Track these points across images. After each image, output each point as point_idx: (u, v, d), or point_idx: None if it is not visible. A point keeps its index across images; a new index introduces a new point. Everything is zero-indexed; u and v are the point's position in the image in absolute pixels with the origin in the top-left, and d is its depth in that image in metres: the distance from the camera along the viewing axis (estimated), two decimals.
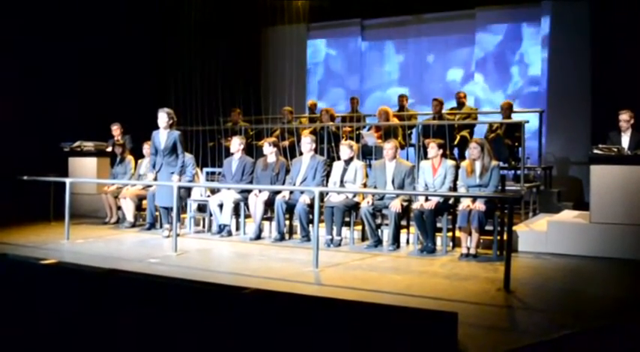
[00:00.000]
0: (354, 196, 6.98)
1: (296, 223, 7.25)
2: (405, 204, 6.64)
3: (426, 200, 6.40)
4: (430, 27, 11.65)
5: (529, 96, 10.72)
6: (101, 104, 9.90)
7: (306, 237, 6.96)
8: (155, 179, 7.39)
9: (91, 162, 9.40)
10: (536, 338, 3.65)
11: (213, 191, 7.95)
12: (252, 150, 9.01)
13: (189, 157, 7.84)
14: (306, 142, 7.37)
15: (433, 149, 6.65)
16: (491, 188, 6.26)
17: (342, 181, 7.11)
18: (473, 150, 6.35)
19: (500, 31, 11.06)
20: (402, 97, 10.08)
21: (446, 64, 11.60)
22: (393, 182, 6.79)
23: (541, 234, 6.47)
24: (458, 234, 6.41)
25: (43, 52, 9.68)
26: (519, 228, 6.68)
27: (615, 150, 6.31)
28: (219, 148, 9.35)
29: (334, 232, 6.84)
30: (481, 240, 6.25)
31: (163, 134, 7.37)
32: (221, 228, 7.48)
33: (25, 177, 7.71)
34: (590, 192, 6.37)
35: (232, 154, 7.82)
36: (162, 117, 7.33)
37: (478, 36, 11.14)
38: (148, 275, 4.67)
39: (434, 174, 6.62)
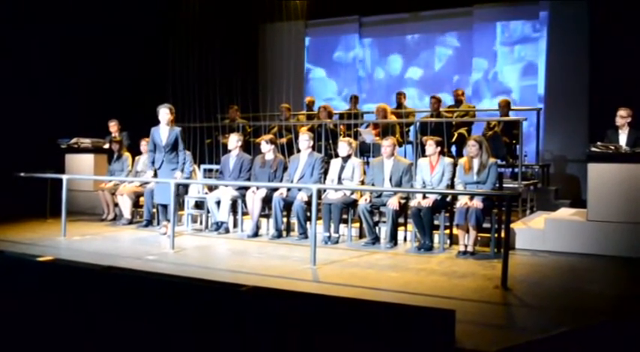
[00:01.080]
0: (352, 193, 6.97)
1: (293, 220, 7.23)
2: (402, 201, 6.64)
3: (424, 197, 6.40)
4: (428, 24, 11.66)
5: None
6: (98, 100, 9.87)
7: (304, 234, 6.96)
8: (155, 176, 7.33)
9: (88, 159, 9.37)
10: (533, 336, 3.66)
11: (211, 188, 7.94)
12: (250, 148, 9.01)
13: (187, 154, 7.81)
14: (304, 139, 7.36)
15: (431, 147, 6.65)
16: (489, 185, 6.26)
17: (339, 178, 7.10)
18: (471, 148, 6.35)
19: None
20: (399, 95, 10.08)
21: (443, 62, 11.60)
22: (390, 179, 6.79)
23: (538, 232, 6.48)
24: (455, 231, 6.41)
25: (40, 49, 9.65)
26: (517, 226, 6.69)
27: (613, 148, 6.31)
28: (217, 145, 9.34)
29: (332, 229, 6.84)
30: (479, 238, 6.25)
31: (164, 130, 7.30)
32: (218, 225, 7.47)
33: (22, 174, 7.69)
34: (588, 189, 6.39)
35: (230, 151, 7.81)
36: (165, 112, 7.24)
37: (475, 34, 11.15)
38: (146, 273, 4.67)
39: (431, 172, 6.62)
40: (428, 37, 11.72)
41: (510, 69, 10.97)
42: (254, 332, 3.64)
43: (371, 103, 11.59)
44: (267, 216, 7.50)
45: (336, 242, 6.79)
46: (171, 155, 7.28)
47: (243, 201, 7.49)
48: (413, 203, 6.46)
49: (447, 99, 10.20)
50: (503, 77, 11.03)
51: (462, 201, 6.18)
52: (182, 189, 7.68)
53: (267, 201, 7.28)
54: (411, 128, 9.12)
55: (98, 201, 8.76)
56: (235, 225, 7.69)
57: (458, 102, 9.58)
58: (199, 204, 8.04)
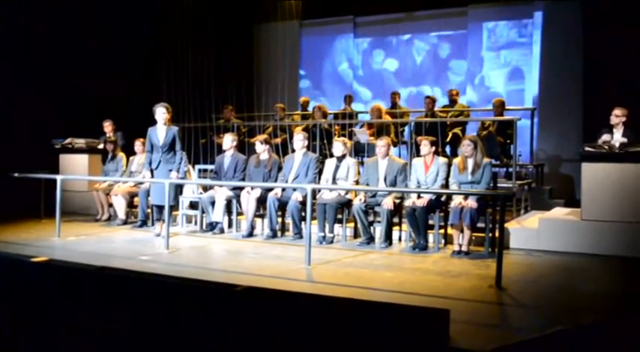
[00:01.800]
0: (347, 193, 6.98)
1: (288, 220, 7.24)
2: (397, 201, 6.65)
3: (418, 197, 6.41)
4: (423, 24, 11.68)
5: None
6: (93, 100, 9.84)
7: (299, 234, 6.95)
8: (152, 176, 7.27)
9: (83, 159, 9.34)
10: (527, 335, 3.66)
11: (206, 188, 7.92)
12: (245, 148, 9.00)
13: (182, 154, 7.78)
14: (299, 139, 7.36)
15: (425, 146, 6.66)
16: (483, 185, 6.28)
17: (334, 178, 7.10)
18: (466, 147, 6.36)
19: (492, 29, 11.09)
20: (394, 94, 10.11)
21: (439, 61, 11.63)
22: (385, 179, 6.80)
23: (532, 231, 6.50)
24: (450, 231, 6.43)
25: (34, 48, 9.61)
26: (511, 225, 6.70)
27: (607, 147, 6.33)
28: (212, 145, 9.33)
29: (326, 229, 6.84)
30: (473, 237, 6.26)
31: (162, 130, 7.26)
32: (213, 226, 7.46)
33: (16, 174, 7.66)
34: (582, 189, 6.40)
35: (224, 151, 7.80)
36: (162, 112, 7.19)
37: (472, 33, 11.19)
38: (140, 273, 4.65)
39: (426, 172, 6.63)
40: (422, 37, 11.74)
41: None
42: (248, 333, 3.64)
43: (363, 103, 11.68)
44: (262, 216, 7.49)
45: (331, 242, 6.79)
46: (168, 155, 7.24)
47: (238, 201, 7.48)
48: (407, 203, 6.47)
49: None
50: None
51: (457, 201, 6.19)
52: (177, 189, 7.66)
53: (261, 201, 7.27)
54: (406, 128, 9.13)
55: (92, 202, 8.73)
56: (230, 225, 7.68)
57: (452, 102, 9.60)
58: (194, 205, 8.03)
